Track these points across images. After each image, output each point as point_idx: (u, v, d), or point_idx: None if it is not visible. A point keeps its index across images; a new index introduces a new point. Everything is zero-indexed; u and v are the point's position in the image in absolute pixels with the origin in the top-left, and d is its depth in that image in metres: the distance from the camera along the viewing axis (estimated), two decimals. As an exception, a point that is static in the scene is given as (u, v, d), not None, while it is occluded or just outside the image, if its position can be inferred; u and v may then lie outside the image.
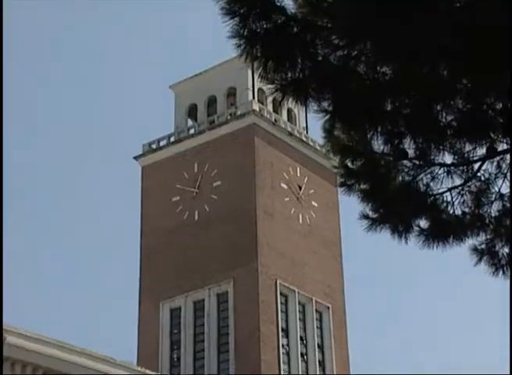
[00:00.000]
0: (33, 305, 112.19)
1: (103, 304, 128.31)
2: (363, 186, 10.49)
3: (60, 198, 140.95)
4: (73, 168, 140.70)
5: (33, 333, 48.70)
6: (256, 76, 44.96)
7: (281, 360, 63.46)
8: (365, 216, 10.50)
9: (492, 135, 9.84)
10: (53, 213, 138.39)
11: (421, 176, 10.37)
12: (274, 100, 69.60)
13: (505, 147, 9.97)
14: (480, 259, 10.66)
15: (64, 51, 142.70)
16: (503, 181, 10.38)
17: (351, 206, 10.46)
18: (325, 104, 9.66)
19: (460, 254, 10.42)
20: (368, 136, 10.00)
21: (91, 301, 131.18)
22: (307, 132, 72.45)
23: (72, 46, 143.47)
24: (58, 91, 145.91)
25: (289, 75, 9.33)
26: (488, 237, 10.61)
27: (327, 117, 9.83)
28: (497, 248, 10.59)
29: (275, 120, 70.59)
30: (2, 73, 17.89)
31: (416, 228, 10.52)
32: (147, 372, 57.66)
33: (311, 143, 70.36)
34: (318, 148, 66.18)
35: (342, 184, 10.60)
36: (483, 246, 10.66)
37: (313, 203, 70.57)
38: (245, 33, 8.85)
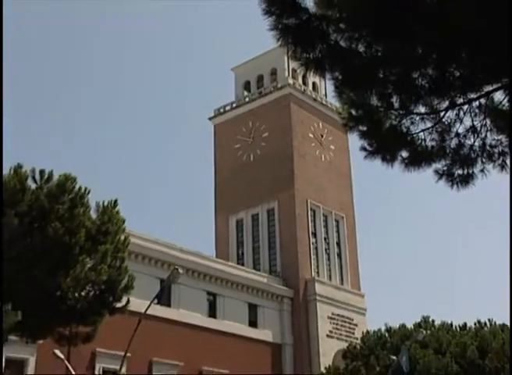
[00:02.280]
0: (147, 216, 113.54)
1: (194, 218, 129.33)
2: (362, 128, 10.61)
3: (157, 152, 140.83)
4: (170, 128, 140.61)
5: (145, 235, 49.44)
6: (289, 59, 45.25)
7: (311, 253, 64.32)
8: (364, 149, 10.66)
9: (452, 93, 9.93)
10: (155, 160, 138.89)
11: (403, 122, 10.49)
12: (303, 76, 70.82)
13: (461, 101, 10.10)
14: (441, 177, 10.80)
15: (151, 39, 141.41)
16: (460, 124, 10.51)
17: (357, 147, 10.73)
18: (336, 74, 9.88)
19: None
20: (367, 94, 10.18)
21: (188, 215, 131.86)
22: (326, 97, 72.67)
23: (157, 35, 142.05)
24: (152, 73, 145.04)
25: (311, 55, 9.47)
26: (448, 162, 10.72)
27: (338, 83, 10.02)
28: (453, 170, 10.73)
29: (304, 90, 71.35)
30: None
31: (399, 157, 10.63)
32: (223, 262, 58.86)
33: (328, 105, 70.75)
34: (334, 108, 66.72)
35: (346, 126, 10.79)
36: (444, 168, 10.79)
37: (331, 146, 71.12)
38: (280, 27, 9.06)
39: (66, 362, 34.71)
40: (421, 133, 10.62)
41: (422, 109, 10.32)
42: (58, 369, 37.12)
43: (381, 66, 9.71)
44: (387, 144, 10.59)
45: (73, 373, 34.31)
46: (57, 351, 33.94)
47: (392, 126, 10.52)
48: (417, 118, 10.44)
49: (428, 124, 10.50)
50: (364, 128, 10.67)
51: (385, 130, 10.55)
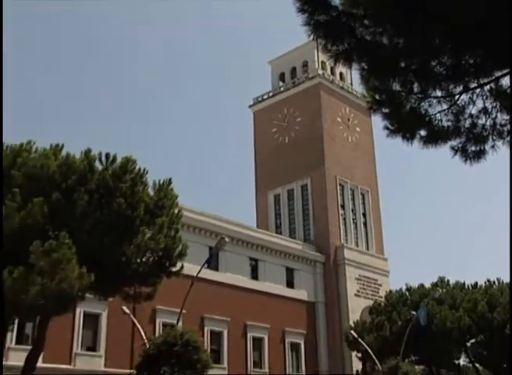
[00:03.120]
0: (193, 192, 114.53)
1: (238, 194, 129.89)
2: (384, 110, 10.65)
3: (206, 137, 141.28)
4: (218, 116, 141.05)
5: (196, 208, 49.74)
6: (320, 52, 44.94)
7: (340, 223, 64.48)
8: (387, 128, 10.71)
9: (465, 78, 9.94)
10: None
11: (422, 104, 10.51)
12: (331, 67, 70.75)
13: (474, 85, 10.10)
14: (456, 153, 10.79)
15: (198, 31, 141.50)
16: (473, 106, 10.51)
17: (380, 128, 10.78)
18: (362, 64, 9.93)
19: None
20: (389, 81, 10.21)
21: (232, 192, 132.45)
22: (351, 85, 72.40)
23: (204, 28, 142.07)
24: (201, 65, 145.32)
25: (340, 48, 9.54)
26: (462, 140, 10.71)
27: (364, 72, 10.07)
28: (467, 147, 10.72)
29: (332, 80, 71.15)
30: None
31: (418, 136, 10.66)
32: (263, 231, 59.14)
33: (354, 92, 70.58)
34: (359, 94, 66.57)
35: (371, 109, 10.85)
36: (459, 145, 10.77)
37: (356, 129, 71.02)
38: (312, 23, 9.15)
39: (132, 316, 35.39)
40: (438, 115, 10.61)
41: (439, 93, 10.32)
42: (125, 322, 37.85)
43: (402, 56, 9.76)
44: (407, 124, 10.62)
45: (138, 326, 34.88)
46: (124, 308, 34.60)
47: (412, 109, 10.55)
48: (435, 101, 10.44)
49: (444, 106, 10.50)
50: (387, 110, 10.71)
51: (406, 111, 10.59)
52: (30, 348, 28.01)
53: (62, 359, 40.01)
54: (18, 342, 38.20)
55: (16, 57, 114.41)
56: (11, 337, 37.21)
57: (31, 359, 25.98)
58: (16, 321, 29.72)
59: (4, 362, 36.32)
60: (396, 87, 10.37)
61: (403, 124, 10.69)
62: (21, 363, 27.05)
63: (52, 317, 25.93)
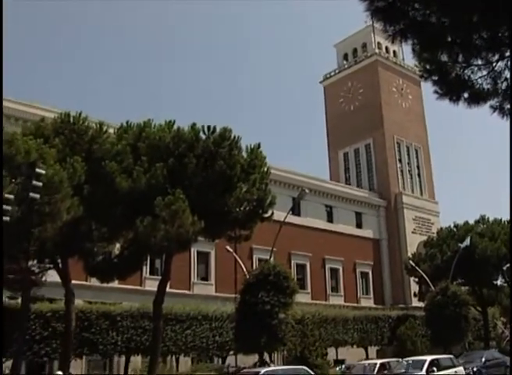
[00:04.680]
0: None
1: (314, 153, 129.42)
2: (434, 77, 10.47)
3: (289, 107, 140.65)
4: (288, 92, 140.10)
5: (281, 166, 49.79)
6: (376, 34, 43.91)
7: (398, 174, 63.76)
8: (436, 92, 10.52)
9: (502, 48, 9.72)
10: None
11: (465, 72, 10.27)
12: (386, 47, 69.12)
13: (509, 54, 9.83)
14: (494, 111, 10.53)
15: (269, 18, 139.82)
16: (508, 71, 10.24)
17: (429, 95, 10.65)
18: (415, 41, 9.78)
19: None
20: (438, 53, 10.05)
21: (310, 151, 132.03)
22: (403, 60, 70.61)
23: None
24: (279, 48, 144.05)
25: (396, 28, 9.46)
26: (499, 99, 10.45)
27: (417, 47, 9.94)
28: (504, 105, 10.46)
29: (387, 57, 69.66)
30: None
31: (462, 97, 10.44)
32: (335, 183, 58.80)
33: (405, 66, 68.93)
34: (410, 68, 65.33)
35: (422, 77, 10.71)
36: (497, 104, 10.51)
37: (409, 96, 69.59)
38: (372, 9, 9.09)
39: (234, 253, 36.05)
40: (479, 79, 10.37)
41: (479, 61, 10.10)
42: (229, 258, 38.68)
43: (448, 32, 9.58)
44: (453, 88, 10.41)
45: (239, 261, 35.58)
46: (228, 247, 35.28)
47: (457, 75, 10.35)
48: (476, 68, 10.22)
49: (484, 72, 10.27)
50: (436, 78, 10.53)
51: (452, 78, 10.39)
52: (159, 277, 29.09)
53: (183, 286, 41.44)
54: (151, 273, 39.78)
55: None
56: (146, 270, 38.78)
57: (162, 286, 27.00)
58: (148, 258, 30.77)
59: (140, 288, 38.06)
60: (444, 58, 10.22)
61: (450, 88, 10.48)
62: (154, 289, 28.19)
63: (174, 254, 26.82)
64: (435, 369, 20.80)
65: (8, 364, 25.05)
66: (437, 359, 22.09)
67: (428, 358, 22.05)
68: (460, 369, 22.63)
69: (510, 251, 36.05)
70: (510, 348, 13.86)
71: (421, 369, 20.73)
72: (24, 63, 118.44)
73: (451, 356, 24.51)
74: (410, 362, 23.30)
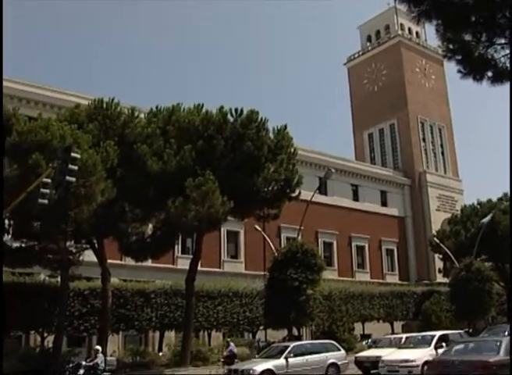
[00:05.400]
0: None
1: (340, 134, 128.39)
2: (457, 57, 10.28)
3: (317, 89, 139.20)
4: (315, 71, 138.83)
5: (308, 147, 49.51)
6: (399, 16, 43.21)
7: (422, 153, 63.10)
8: (460, 71, 10.33)
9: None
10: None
11: (488, 51, 10.07)
12: (409, 28, 68.15)
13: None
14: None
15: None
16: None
17: (451, 75, 10.46)
18: (439, 21, 9.65)
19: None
20: (462, 33, 9.86)
21: (335, 132, 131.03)
22: (426, 41, 69.33)
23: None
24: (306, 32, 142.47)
25: (421, 9, 9.28)
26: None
27: (440, 27, 9.77)
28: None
29: (410, 38, 68.36)
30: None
31: (486, 76, 10.23)
32: (361, 162, 58.42)
33: (428, 46, 67.73)
34: (433, 48, 64.25)
35: (445, 56, 10.50)
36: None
37: (432, 76, 68.30)
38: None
39: (263, 232, 36.10)
40: (502, 58, 10.16)
41: (502, 40, 9.88)
42: (257, 237, 38.77)
43: (472, 11, 9.36)
44: (477, 67, 10.22)
45: (268, 239, 35.62)
46: (256, 226, 35.34)
47: (481, 54, 10.16)
48: (499, 47, 10.01)
49: (507, 51, 10.05)
50: (460, 57, 10.34)
51: (475, 57, 10.20)
52: (191, 256, 29.36)
53: (214, 265, 41.74)
54: (182, 252, 40.16)
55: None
56: (177, 249, 39.16)
57: (193, 264, 27.28)
58: (180, 238, 31.04)
59: (173, 267, 38.46)
60: (467, 37, 10.01)
61: (474, 67, 10.29)
62: (185, 267, 28.47)
63: (205, 234, 26.99)
64: (443, 344, 20.53)
65: (50, 338, 25.64)
66: (446, 335, 21.77)
67: (437, 333, 21.75)
68: None
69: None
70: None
71: (430, 345, 20.48)
72: (58, 51, 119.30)
73: (461, 331, 24.16)
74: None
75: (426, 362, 19.31)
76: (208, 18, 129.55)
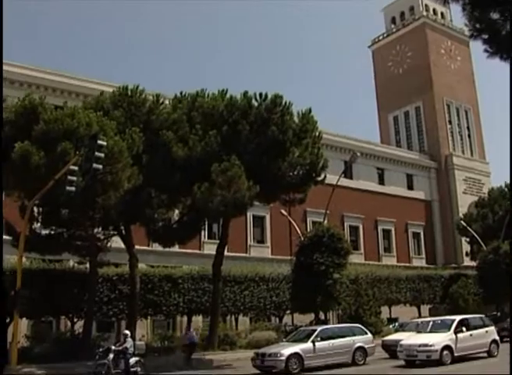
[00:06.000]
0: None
1: (364, 117, 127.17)
2: (484, 36, 9.95)
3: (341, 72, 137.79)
4: (339, 54, 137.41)
5: (332, 131, 49.09)
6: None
7: (448, 135, 62.23)
8: (486, 51, 10.00)
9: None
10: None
11: (512, 27, 9.78)
12: (434, 9, 67.07)
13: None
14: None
15: None
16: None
17: (477, 56, 10.06)
18: (466, 0, 9.37)
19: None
20: (489, 12, 9.58)
21: (360, 115, 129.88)
22: (451, 22, 68.05)
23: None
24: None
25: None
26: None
27: (468, 7, 9.49)
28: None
29: (435, 19, 67.18)
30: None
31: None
32: (386, 146, 57.71)
33: (454, 28, 66.61)
34: (457, 29, 63.16)
35: (472, 36, 10.19)
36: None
37: (457, 58, 67.17)
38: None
39: (288, 217, 35.92)
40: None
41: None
42: (283, 221, 38.67)
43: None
44: (504, 46, 9.86)
45: (294, 224, 35.43)
46: (282, 211, 35.13)
47: (508, 33, 9.80)
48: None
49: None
50: (486, 36, 9.99)
51: (503, 36, 9.84)
52: (217, 241, 29.36)
53: (240, 249, 41.78)
54: (209, 238, 40.26)
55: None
56: (204, 234, 39.24)
57: (220, 249, 27.28)
58: (206, 223, 31.06)
59: (200, 252, 38.58)
60: (495, 16, 9.67)
61: (501, 46, 9.94)
62: (212, 252, 28.49)
63: (231, 219, 26.93)
64: (464, 328, 20.14)
65: (80, 324, 25.93)
66: (466, 319, 21.36)
67: (457, 318, 21.37)
68: (491, 328, 21.78)
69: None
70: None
71: (449, 329, 20.12)
72: (81, 40, 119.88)
73: (482, 316, 23.69)
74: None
75: (445, 347, 19.14)
76: (229, 1, 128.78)
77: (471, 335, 20.36)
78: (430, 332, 20.61)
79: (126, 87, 25.08)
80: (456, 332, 19.88)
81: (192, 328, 25.57)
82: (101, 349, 20.39)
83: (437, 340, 19.43)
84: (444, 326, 20.66)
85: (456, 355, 19.41)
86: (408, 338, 20.68)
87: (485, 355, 20.70)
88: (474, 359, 20.10)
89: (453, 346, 19.49)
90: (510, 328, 16.85)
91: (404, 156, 58.11)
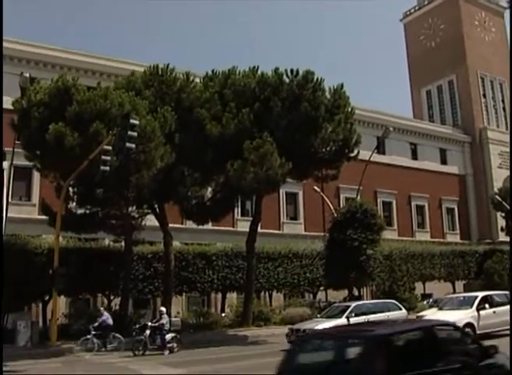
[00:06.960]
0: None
1: (396, 92, 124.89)
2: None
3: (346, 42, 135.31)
4: (372, 27, 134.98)
5: (365, 106, 48.21)
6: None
7: (482, 109, 60.65)
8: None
9: None
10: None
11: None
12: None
13: None
14: None
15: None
16: None
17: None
18: None
19: None
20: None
21: (392, 90, 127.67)
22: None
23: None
24: None
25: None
26: None
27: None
28: None
29: (469, -11, 65.06)
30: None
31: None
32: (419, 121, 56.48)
33: (488, -2, 64.74)
34: (492, 0, 61.49)
35: (510, 2, 9.68)
36: None
37: (492, 29, 65.11)
38: None
39: (321, 193, 35.61)
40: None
41: None
42: (316, 198, 38.37)
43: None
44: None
45: (327, 200, 35.12)
46: (315, 187, 34.82)
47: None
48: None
49: None
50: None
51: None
52: (250, 218, 29.26)
53: (274, 226, 41.64)
54: (242, 215, 40.21)
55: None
56: (237, 212, 39.20)
57: (253, 226, 27.17)
58: (239, 200, 30.98)
59: (233, 229, 38.60)
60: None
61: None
62: (245, 229, 28.40)
63: (264, 196, 26.77)
64: (487, 305, 19.41)
65: (116, 301, 26.20)
66: (490, 296, 20.58)
67: (480, 294, 20.65)
68: None
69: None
70: (510, 337, 12.32)
71: (471, 306, 19.43)
72: (110, 20, 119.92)
73: (507, 292, 22.87)
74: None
75: (467, 324, 18.42)
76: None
77: (494, 312, 19.42)
78: (452, 309, 19.99)
79: (157, 66, 24.98)
80: (478, 309, 19.17)
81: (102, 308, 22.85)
82: (137, 326, 20.57)
83: (459, 317, 18.35)
84: (467, 303, 19.90)
85: (478, 332, 18.40)
86: (433, 315, 20.15)
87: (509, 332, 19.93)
88: (497, 337, 19.32)
89: (475, 324, 18.61)
90: (510, 325, 16.17)
91: (437, 131, 56.93)
